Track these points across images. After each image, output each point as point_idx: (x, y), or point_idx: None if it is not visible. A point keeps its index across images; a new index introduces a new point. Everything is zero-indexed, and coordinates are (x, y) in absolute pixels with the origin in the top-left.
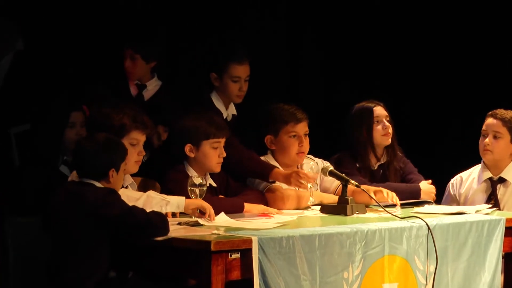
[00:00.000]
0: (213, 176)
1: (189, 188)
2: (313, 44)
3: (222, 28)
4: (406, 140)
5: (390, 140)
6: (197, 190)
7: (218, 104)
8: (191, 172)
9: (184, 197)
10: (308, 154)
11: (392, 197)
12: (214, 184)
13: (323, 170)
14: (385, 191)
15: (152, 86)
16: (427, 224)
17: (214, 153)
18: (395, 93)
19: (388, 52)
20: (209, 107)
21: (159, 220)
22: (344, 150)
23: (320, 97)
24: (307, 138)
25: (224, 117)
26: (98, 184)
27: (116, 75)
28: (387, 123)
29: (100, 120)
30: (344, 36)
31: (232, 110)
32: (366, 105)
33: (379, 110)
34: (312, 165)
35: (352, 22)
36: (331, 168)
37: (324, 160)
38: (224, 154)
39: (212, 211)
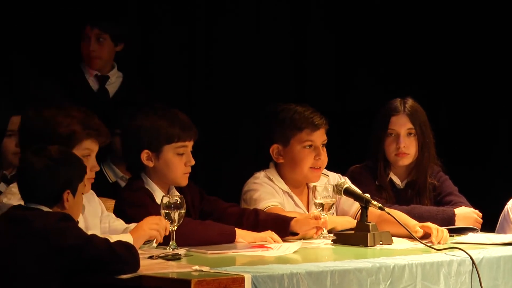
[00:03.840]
0: (183, 189)
1: (162, 211)
2: (322, 29)
3: (217, 13)
4: (443, 150)
5: (405, 161)
6: (175, 215)
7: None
8: (151, 186)
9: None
10: None
11: (441, 239)
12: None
13: (337, 188)
14: (434, 228)
15: (114, 78)
16: (471, 258)
17: (179, 161)
18: (428, 90)
19: (419, 38)
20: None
21: (126, 253)
22: (367, 161)
23: (331, 94)
24: (325, 149)
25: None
26: (46, 209)
27: (68, 65)
28: (405, 140)
29: (39, 127)
30: (360, 18)
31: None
32: (388, 108)
33: (399, 120)
34: (327, 183)
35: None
36: (347, 185)
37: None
38: (192, 162)
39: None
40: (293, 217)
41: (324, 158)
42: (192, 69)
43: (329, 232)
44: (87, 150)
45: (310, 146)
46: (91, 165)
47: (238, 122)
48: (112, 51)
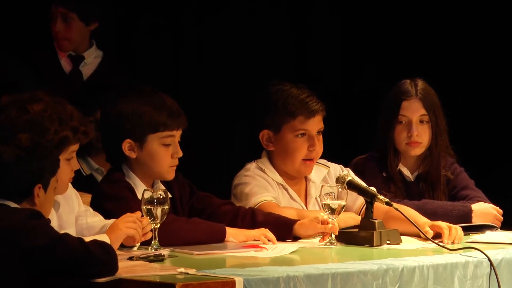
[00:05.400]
0: (170, 182)
1: (143, 207)
2: (326, 9)
3: None
4: (458, 147)
5: (417, 151)
6: (157, 211)
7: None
8: (133, 179)
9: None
10: (320, 158)
11: (455, 238)
12: (169, 195)
13: (339, 181)
14: (446, 228)
15: (91, 58)
16: (489, 259)
17: (165, 153)
18: (442, 80)
19: (434, 21)
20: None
21: (103, 253)
22: (370, 152)
23: (336, 78)
24: (321, 138)
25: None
26: (14, 205)
27: (39, 44)
28: (417, 128)
29: (25, 131)
30: None
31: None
32: (397, 91)
33: (411, 105)
34: (326, 174)
35: None
36: (350, 177)
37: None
38: (180, 154)
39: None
40: (297, 220)
41: (318, 148)
42: (180, 48)
43: None
44: (72, 153)
45: (303, 134)
46: (73, 166)
47: (231, 109)
48: (83, 31)
